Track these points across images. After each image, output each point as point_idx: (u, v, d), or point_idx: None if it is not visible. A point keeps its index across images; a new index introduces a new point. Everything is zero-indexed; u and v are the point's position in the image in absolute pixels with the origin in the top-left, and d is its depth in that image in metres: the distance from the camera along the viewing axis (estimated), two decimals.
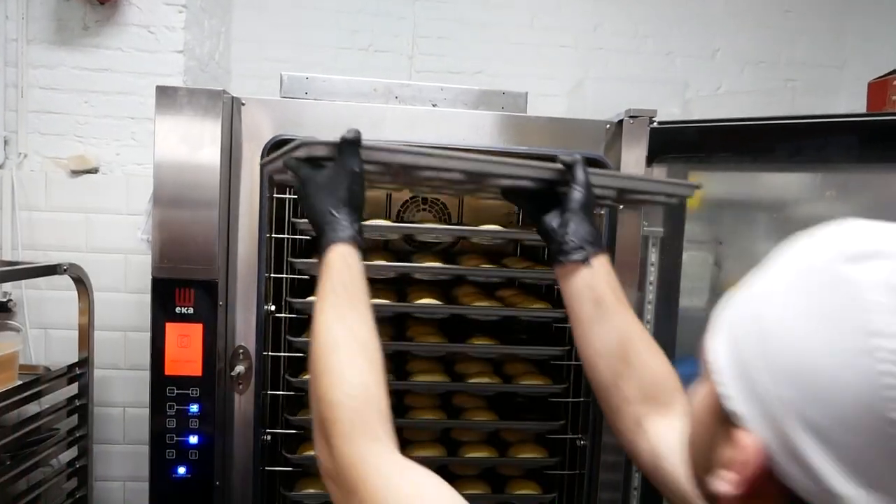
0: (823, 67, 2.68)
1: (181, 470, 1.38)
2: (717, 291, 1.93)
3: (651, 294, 1.46)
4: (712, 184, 1.69)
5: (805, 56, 2.67)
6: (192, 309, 1.37)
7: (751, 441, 0.47)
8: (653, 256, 1.45)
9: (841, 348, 0.43)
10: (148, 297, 1.37)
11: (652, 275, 1.45)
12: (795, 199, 1.84)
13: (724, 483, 0.49)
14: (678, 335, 1.53)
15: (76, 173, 2.01)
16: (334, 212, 0.87)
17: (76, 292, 1.80)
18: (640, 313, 1.46)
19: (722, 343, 0.53)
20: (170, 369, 1.37)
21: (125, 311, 1.98)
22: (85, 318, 1.77)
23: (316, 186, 0.89)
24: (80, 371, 1.76)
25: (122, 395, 2.01)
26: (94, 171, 2.02)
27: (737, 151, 1.38)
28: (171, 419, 1.37)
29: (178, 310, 1.36)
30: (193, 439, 1.38)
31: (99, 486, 2.01)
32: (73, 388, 1.76)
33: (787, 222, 1.86)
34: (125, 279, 2.01)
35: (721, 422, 0.52)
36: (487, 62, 2.54)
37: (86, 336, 1.78)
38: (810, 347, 0.45)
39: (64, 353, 1.92)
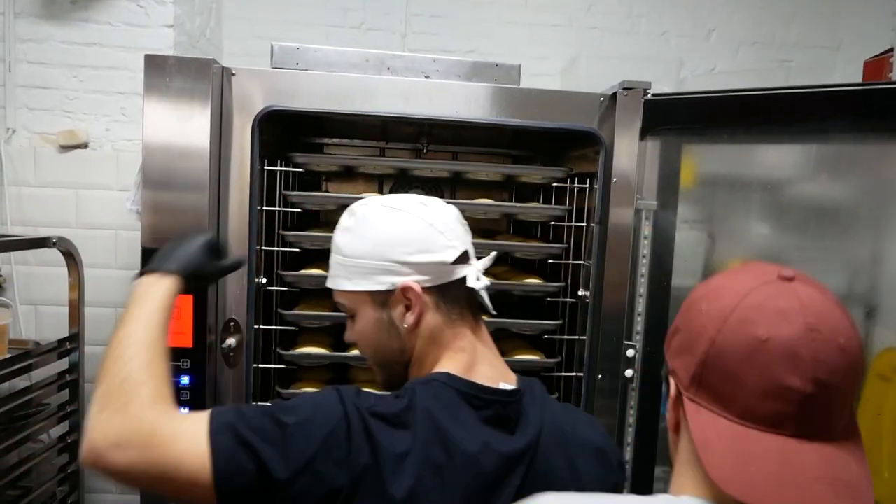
0: (818, 48, 2.67)
1: None
2: (710, 270, 1.93)
3: (644, 268, 1.45)
4: (707, 160, 1.69)
5: (800, 37, 2.66)
6: None
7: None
8: (646, 229, 1.45)
9: None
10: None
11: (645, 248, 1.45)
12: (789, 178, 1.83)
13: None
14: (671, 313, 1.53)
15: (65, 148, 1.99)
16: None
17: (66, 268, 1.79)
18: (632, 287, 1.46)
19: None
20: None
21: (116, 287, 1.96)
22: (75, 293, 1.76)
23: None
24: (70, 346, 1.75)
25: None
26: (84, 146, 2.00)
27: (731, 123, 1.37)
28: None
29: None
30: (184, 412, 1.37)
31: None
32: (64, 363, 1.74)
33: (781, 201, 1.86)
34: (115, 255, 1.99)
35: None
36: (480, 41, 2.52)
37: (76, 311, 1.76)
38: None
39: (54, 329, 1.90)
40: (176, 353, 1.36)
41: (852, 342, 0.65)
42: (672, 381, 0.74)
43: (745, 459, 0.64)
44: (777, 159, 1.84)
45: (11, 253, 1.95)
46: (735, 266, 0.78)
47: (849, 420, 0.68)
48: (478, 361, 0.91)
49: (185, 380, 1.37)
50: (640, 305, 1.46)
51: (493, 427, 0.86)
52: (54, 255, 1.77)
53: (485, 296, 0.94)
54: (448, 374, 0.87)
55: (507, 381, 0.91)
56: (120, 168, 1.99)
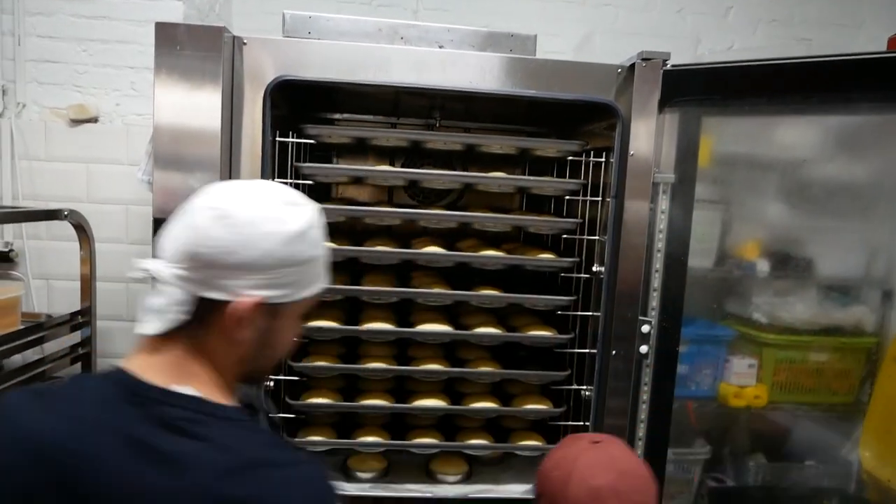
0: (839, 26, 2.61)
1: None
2: (724, 251, 1.90)
3: (661, 243, 1.43)
4: (724, 137, 1.66)
5: (820, 14, 2.60)
6: None
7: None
8: (663, 204, 1.42)
9: None
10: (150, 249, 1.33)
11: (662, 223, 1.42)
12: (808, 156, 1.80)
13: None
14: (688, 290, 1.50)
15: (76, 123, 1.98)
16: None
17: (77, 243, 1.78)
18: (648, 262, 1.44)
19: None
20: None
21: (127, 263, 1.95)
22: (87, 266, 1.75)
23: None
24: (82, 319, 1.75)
25: (126, 345, 1.99)
26: (94, 120, 1.99)
27: (753, 94, 1.34)
28: None
29: None
30: None
31: None
32: (76, 337, 1.75)
33: (799, 180, 1.82)
34: (126, 230, 1.99)
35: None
36: (493, 17, 2.47)
37: (88, 285, 1.76)
38: None
39: (66, 303, 1.90)
40: None
41: (647, 472, 1.08)
42: None
43: None
44: (796, 137, 1.80)
45: (23, 227, 1.95)
46: (562, 441, 1.22)
47: None
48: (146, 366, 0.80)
49: None
50: (656, 281, 1.44)
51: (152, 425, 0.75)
52: (66, 229, 1.77)
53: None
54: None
55: (184, 387, 0.79)
56: (130, 142, 1.98)
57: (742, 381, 1.87)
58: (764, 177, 1.85)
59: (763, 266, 1.92)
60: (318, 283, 0.87)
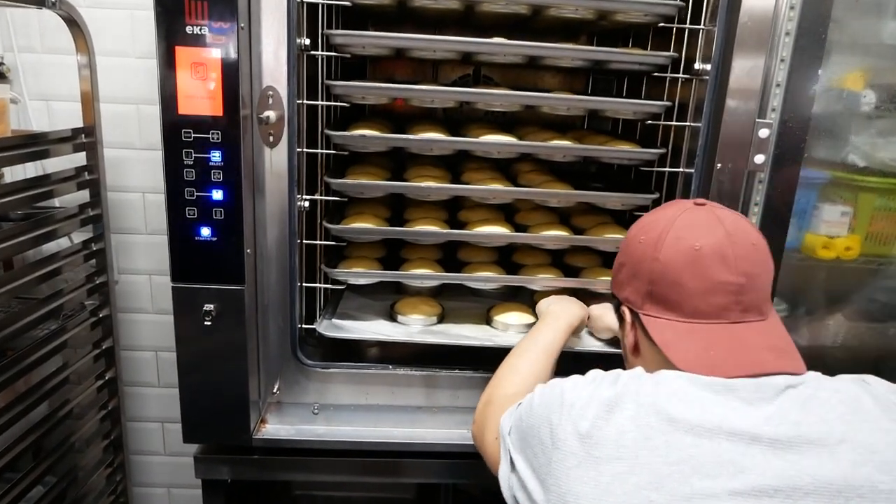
0: None
1: (205, 231, 1.15)
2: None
3: (791, 23, 1.12)
4: None
5: None
6: (206, 29, 1.08)
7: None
8: None
9: None
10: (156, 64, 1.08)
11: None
12: None
13: None
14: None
15: None
16: None
17: (76, 56, 1.52)
18: (770, 54, 1.14)
19: None
20: (184, 107, 1.10)
21: (136, 80, 1.70)
22: (87, 79, 1.50)
23: None
24: (86, 140, 1.52)
25: (140, 178, 1.78)
26: None
27: None
28: (189, 170, 1.13)
29: (189, 29, 1.08)
30: (218, 195, 1.14)
31: (124, 280, 1.86)
32: (81, 158, 1.52)
33: None
34: (133, 41, 1.70)
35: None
36: None
37: (90, 100, 1.51)
38: None
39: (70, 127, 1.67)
40: (203, 124, 1.11)
41: (760, 240, 0.85)
42: (625, 309, 0.91)
43: (703, 347, 0.79)
44: None
45: (13, 37, 1.68)
46: (656, 208, 0.97)
47: (769, 301, 0.86)
48: None
49: (216, 155, 1.12)
50: (780, 74, 1.15)
51: None
52: (62, 39, 1.51)
53: None
54: None
55: None
56: None
57: (832, 230, 1.64)
58: None
59: (869, 98, 1.61)
60: None
